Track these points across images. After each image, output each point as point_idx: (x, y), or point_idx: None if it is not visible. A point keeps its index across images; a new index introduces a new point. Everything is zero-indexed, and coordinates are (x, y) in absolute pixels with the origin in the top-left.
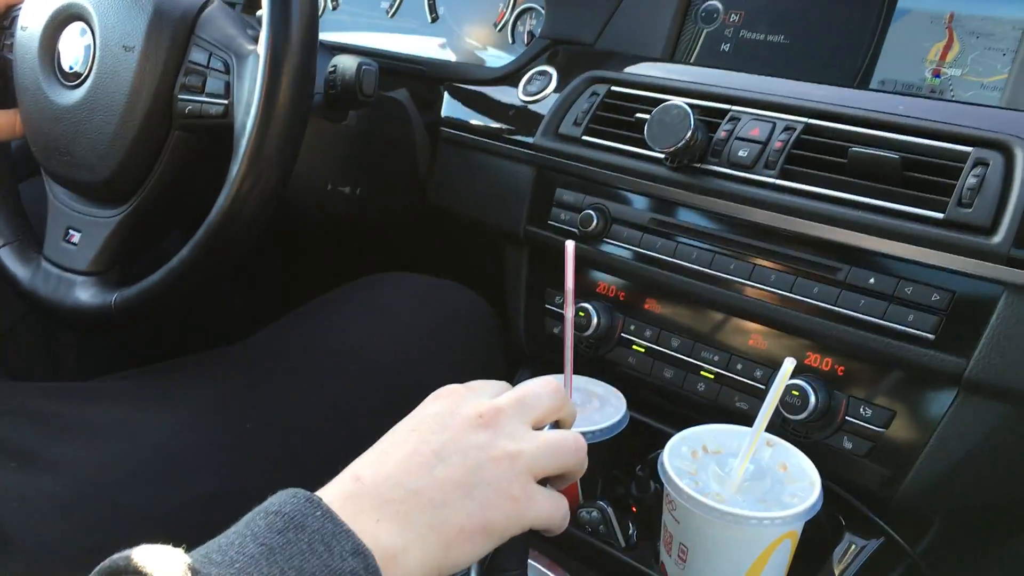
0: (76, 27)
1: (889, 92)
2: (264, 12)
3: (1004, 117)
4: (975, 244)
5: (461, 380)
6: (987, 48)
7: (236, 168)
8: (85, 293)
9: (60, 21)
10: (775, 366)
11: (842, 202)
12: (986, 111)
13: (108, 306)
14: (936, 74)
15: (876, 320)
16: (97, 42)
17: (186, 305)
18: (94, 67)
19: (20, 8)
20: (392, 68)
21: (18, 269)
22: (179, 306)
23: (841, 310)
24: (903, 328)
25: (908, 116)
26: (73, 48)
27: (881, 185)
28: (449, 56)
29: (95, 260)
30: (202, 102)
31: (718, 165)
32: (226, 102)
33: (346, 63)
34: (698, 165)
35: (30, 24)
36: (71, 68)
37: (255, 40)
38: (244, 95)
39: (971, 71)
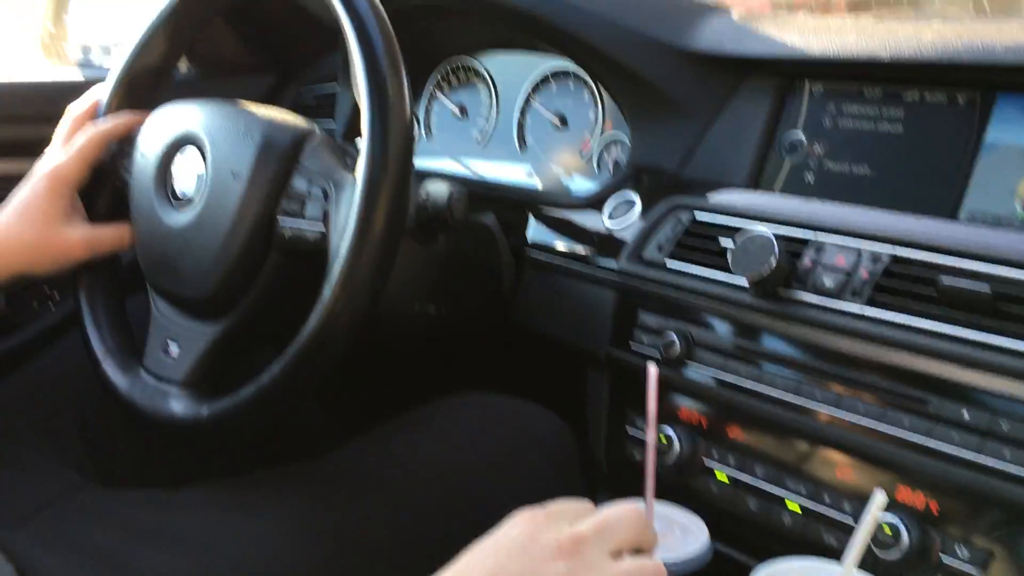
0: (189, 153)
1: (979, 225)
2: (363, 141)
3: None
4: None
5: (539, 503)
6: None
7: (329, 291)
8: (179, 403)
9: (175, 147)
10: (865, 499)
11: (932, 333)
12: None
13: (200, 417)
14: None
15: (970, 456)
16: (208, 168)
17: (274, 419)
18: (203, 191)
19: (140, 132)
20: (481, 193)
21: (118, 378)
22: (267, 419)
23: (933, 444)
24: (999, 465)
25: (1000, 248)
26: (185, 173)
27: (973, 316)
28: (536, 182)
29: (190, 372)
30: (301, 227)
31: (803, 292)
32: (323, 227)
33: (438, 189)
34: (782, 292)
35: (147, 149)
36: (182, 192)
37: (353, 169)
38: (341, 220)
39: None
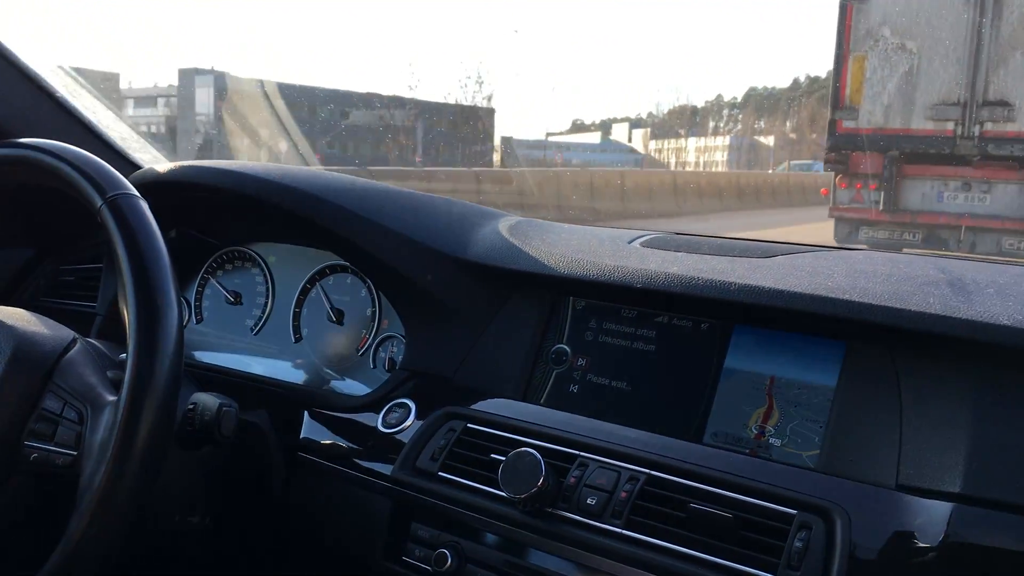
0: None
1: (722, 447)
2: (128, 361)
3: (824, 483)
4: None
5: None
6: (805, 419)
7: (77, 524)
8: None
9: None
10: None
11: (685, 557)
12: (808, 475)
13: None
14: (759, 438)
15: None
16: None
17: None
18: None
19: None
20: (254, 388)
21: None
22: None
23: None
24: None
25: (739, 476)
26: None
27: (720, 543)
28: (311, 378)
29: None
30: (49, 451)
31: (568, 511)
32: (75, 453)
33: (206, 403)
34: (550, 510)
35: None
36: None
37: (115, 387)
38: (96, 448)
39: (790, 442)
